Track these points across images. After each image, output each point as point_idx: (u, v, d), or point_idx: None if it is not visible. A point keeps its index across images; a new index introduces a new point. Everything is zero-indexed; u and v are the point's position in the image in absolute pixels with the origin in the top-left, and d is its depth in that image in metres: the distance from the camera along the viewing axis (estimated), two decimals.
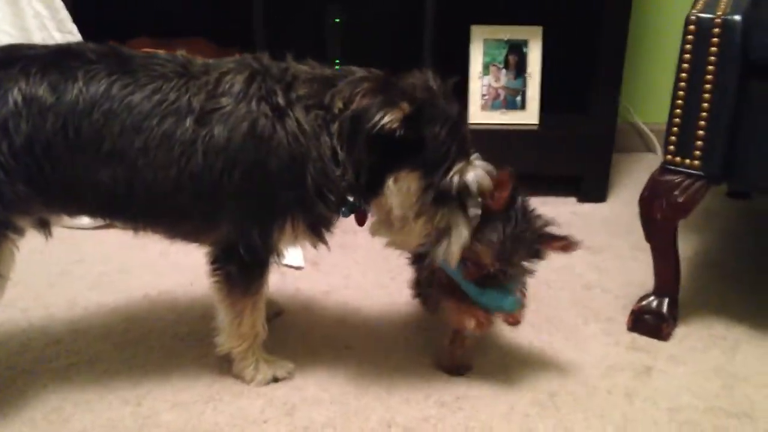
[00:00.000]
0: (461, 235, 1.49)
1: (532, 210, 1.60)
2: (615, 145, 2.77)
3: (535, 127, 2.76)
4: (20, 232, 1.43)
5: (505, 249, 1.51)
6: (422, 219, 1.49)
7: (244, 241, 1.49)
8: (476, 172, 1.49)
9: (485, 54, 2.74)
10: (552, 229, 1.59)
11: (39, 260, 2.13)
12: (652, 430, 1.52)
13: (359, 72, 1.50)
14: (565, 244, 1.58)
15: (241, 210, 1.48)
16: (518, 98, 2.76)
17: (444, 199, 1.47)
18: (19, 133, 1.35)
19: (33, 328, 1.82)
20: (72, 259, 2.15)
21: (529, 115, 2.76)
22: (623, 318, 1.90)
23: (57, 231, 2.26)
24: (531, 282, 2.08)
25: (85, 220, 2.14)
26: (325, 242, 1.57)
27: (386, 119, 1.38)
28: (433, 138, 1.43)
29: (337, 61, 2.65)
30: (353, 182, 1.47)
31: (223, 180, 1.43)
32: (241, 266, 1.52)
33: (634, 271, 2.18)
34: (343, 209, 1.54)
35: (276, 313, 1.90)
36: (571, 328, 1.89)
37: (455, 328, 1.66)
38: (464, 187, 1.47)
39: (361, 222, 1.61)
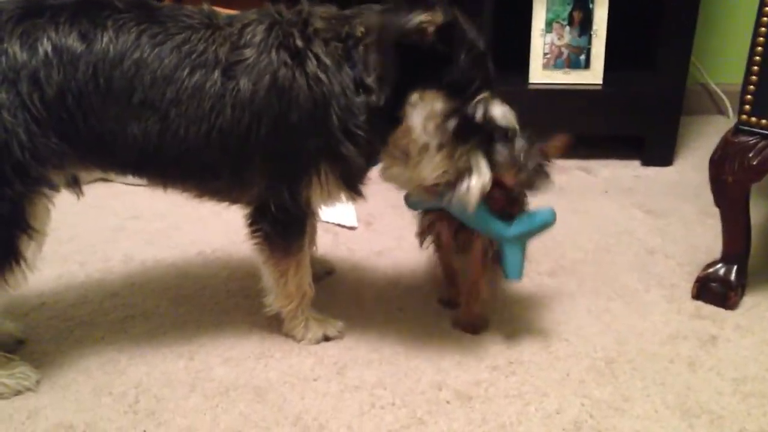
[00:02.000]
0: (482, 176, 1.42)
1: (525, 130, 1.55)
2: (684, 107, 2.65)
3: (599, 87, 2.65)
4: (55, 188, 1.41)
5: (522, 167, 1.48)
6: (443, 151, 1.43)
7: (275, 199, 1.47)
8: (504, 107, 1.42)
9: (548, 10, 2.63)
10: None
11: (96, 215, 2.16)
12: (715, 400, 1.46)
13: (377, 6, 1.44)
14: (563, 140, 1.58)
15: (269, 166, 1.45)
16: (582, 57, 2.65)
17: (468, 133, 1.40)
18: (51, 83, 1.33)
19: (90, 281, 1.85)
20: (128, 215, 2.17)
21: (593, 75, 2.65)
22: (687, 285, 1.83)
23: (114, 187, 2.33)
24: (589, 245, 2.04)
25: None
26: (359, 193, 1.53)
27: (422, 18, 1.30)
28: (462, 59, 1.36)
29: None
30: (377, 106, 1.40)
31: (250, 135, 1.41)
32: (277, 226, 1.49)
33: (700, 236, 2.09)
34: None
35: (327, 272, 1.89)
36: (631, 294, 1.82)
37: (473, 279, 1.63)
38: (490, 120, 1.41)
39: None
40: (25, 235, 1.37)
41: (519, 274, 1.57)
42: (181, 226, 2.12)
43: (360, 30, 1.41)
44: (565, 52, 2.65)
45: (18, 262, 1.38)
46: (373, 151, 1.50)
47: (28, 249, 1.39)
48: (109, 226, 2.12)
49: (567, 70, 2.66)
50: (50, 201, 1.41)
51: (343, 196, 1.55)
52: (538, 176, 1.53)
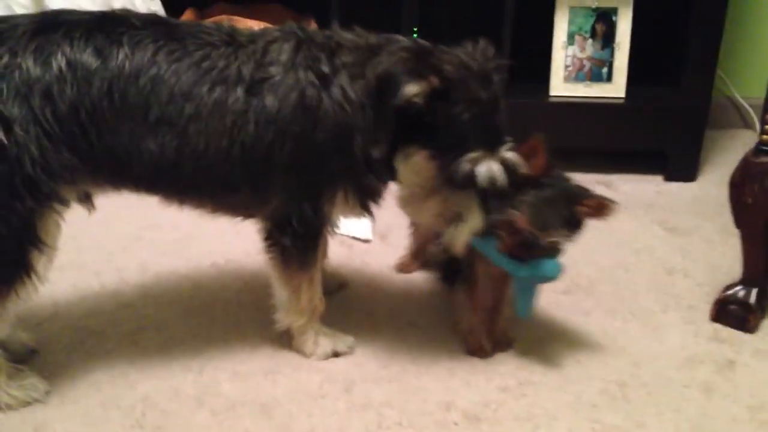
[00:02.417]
0: (473, 222, 1.45)
1: (568, 178, 1.57)
2: (708, 121, 2.61)
3: (621, 101, 2.62)
4: (66, 203, 1.42)
5: (540, 213, 1.46)
6: (433, 200, 1.46)
7: (296, 213, 1.46)
8: (490, 166, 1.40)
9: (571, 22, 2.61)
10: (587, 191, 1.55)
11: (113, 225, 2.18)
12: (730, 427, 1.42)
13: (403, 41, 1.44)
14: (600, 203, 1.51)
15: (292, 181, 1.45)
16: (604, 70, 2.63)
17: (458, 185, 1.42)
18: (64, 98, 1.33)
19: (105, 290, 1.86)
20: (145, 225, 2.18)
21: (616, 88, 2.63)
22: (706, 307, 1.79)
23: (133, 197, 2.33)
24: (607, 263, 2.01)
25: None
26: (371, 213, 1.55)
27: (409, 90, 1.33)
28: (452, 119, 1.38)
29: (415, 29, 2.59)
30: (383, 154, 1.42)
31: (274, 151, 1.41)
32: (295, 239, 1.49)
33: (722, 256, 2.05)
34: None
35: (340, 285, 1.88)
36: (648, 315, 1.79)
37: (490, 305, 1.63)
38: (474, 178, 1.40)
39: None
40: (36, 250, 1.38)
41: (527, 313, 1.58)
42: (197, 237, 2.13)
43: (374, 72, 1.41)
44: (587, 64, 2.63)
45: (29, 276, 1.39)
46: (390, 177, 1.50)
47: (39, 263, 1.40)
48: (126, 236, 2.14)
49: (589, 83, 2.64)
50: (61, 216, 1.42)
51: (357, 213, 1.56)
52: (552, 236, 1.49)
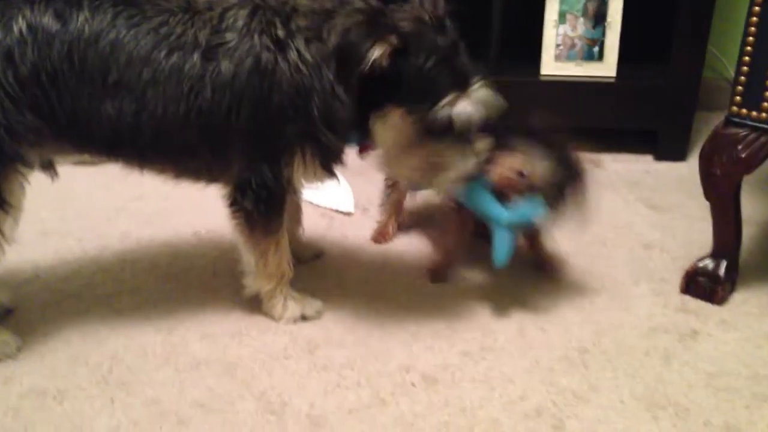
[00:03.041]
0: (458, 168, 1.48)
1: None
2: (704, 102, 2.60)
3: (612, 80, 2.61)
4: (30, 165, 1.45)
5: (532, 152, 1.59)
6: (414, 154, 1.47)
7: (256, 177, 1.49)
8: (464, 105, 1.42)
9: (562, 1, 2.60)
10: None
11: (101, 196, 2.23)
12: (684, 393, 1.43)
13: (357, 3, 1.46)
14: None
15: (250, 146, 1.47)
16: (596, 48, 2.62)
17: (436, 134, 1.43)
18: (25, 61, 1.36)
19: (86, 256, 1.91)
20: (132, 196, 2.23)
21: (607, 67, 2.61)
22: (678, 280, 1.79)
23: (119, 168, 2.38)
24: (584, 239, 2.02)
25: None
26: (334, 176, 1.56)
27: (372, 54, 1.35)
28: (416, 71, 1.39)
29: None
30: (351, 116, 1.44)
31: (231, 116, 1.43)
32: (257, 204, 1.51)
33: (701, 232, 2.02)
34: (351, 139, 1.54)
35: (315, 254, 1.91)
36: (618, 287, 1.80)
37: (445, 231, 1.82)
38: (452, 121, 1.42)
39: (363, 151, 1.60)
40: (1, 211, 1.42)
41: (503, 262, 1.59)
42: (181, 209, 2.17)
43: (333, 40, 1.42)
44: (579, 43, 2.62)
45: None
46: (350, 135, 1.52)
47: (4, 223, 1.44)
48: (112, 206, 2.18)
49: (580, 62, 2.63)
50: (25, 178, 1.46)
51: (320, 177, 1.57)
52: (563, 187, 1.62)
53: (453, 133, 1.44)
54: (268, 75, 1.42)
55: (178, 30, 1.42)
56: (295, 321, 1.65)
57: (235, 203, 1.55)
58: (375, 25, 1.39)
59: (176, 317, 1.66)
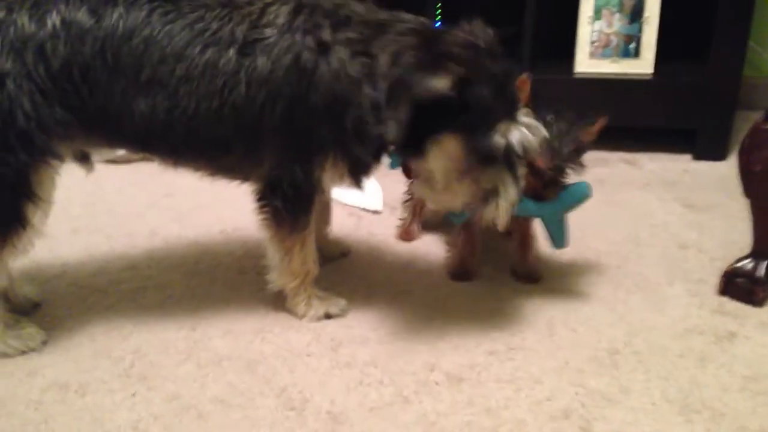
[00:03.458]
0: (509, 194, 1.44)
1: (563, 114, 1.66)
2: (745, 100, 2.52)
3: (650, 77, 2.55)
4: (60, 158, 1.46)
5: (555, 147, 1.58)
6: (466, 181, 1.44)
7: (287, 176, 1.47)
8: (521, 132, 1.41)
9: None
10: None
11: (131, 193, 2.24)
12: (719, 397, 1.37)
13: (408, 22, 1.44)
14: (598, 123, 1.64)
15: (284, 144, 1.46)
16: (632, 45, 2.56)
17: (489, 160, 1.41)
18: (57, 56, 1.37)
19: (113, 252, 1.91)
20: (162, 193, 2.24)
21: (644, 64, 2.56)
22: (716, 281, 1.73)
23: (151, 166, 2.40)
24: (617, 237, 1.97)
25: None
26: (360, 186, 1.55)
27: (437, 84, 1.32)
28: (476, 100, 1.37)
29: (438, 4, 2.58)
30: (397, 140, 1.41)
31: (264, 113, 1.42)
32: (286, 202, 1.50)
33: (741, 233, 1.96)
34: (392, 161, 1.55)
35: (342, 252, 1.89)
36: (652, 287, 1.74)
37: (524, 232, 1.76)
38: (509, 148, 1.41)
39: (408, 175, 1.61)
40: (30, 202, 1.42)
41: (564, 244, 1.69)
42: (210, 206, 2.17)
43: (384, 60, 1.41)
44: (615, 40, 2.57)
45: (24, 227, 1.43)
46: (383, 151, 1.52)
47: (34, 215, 1.44)
48: (142, 203, 2.19)
49: (616, 58, 2.58)
50: (55, 171, 1.46)
51: (350, 184, 1.56)
52: (570, 162, 1.63)
53: (503, 160, 1.42)
54: (307, 74, 1.40)
55: (214, 26, 1.41)
56: (318, 319, 1.62)
57: (264, 199, 1.54)
58: (431, 51, 1.37)
59: (200, 313, 1.65)
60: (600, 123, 1.63)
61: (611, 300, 1.69)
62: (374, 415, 1.35)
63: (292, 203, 1.52)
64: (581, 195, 1.63)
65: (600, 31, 2.57)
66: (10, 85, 1.35)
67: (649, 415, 1.33)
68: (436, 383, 1.43)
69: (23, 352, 1.50)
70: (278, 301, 1.66)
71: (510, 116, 1.41)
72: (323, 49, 1.41)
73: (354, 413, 1.35)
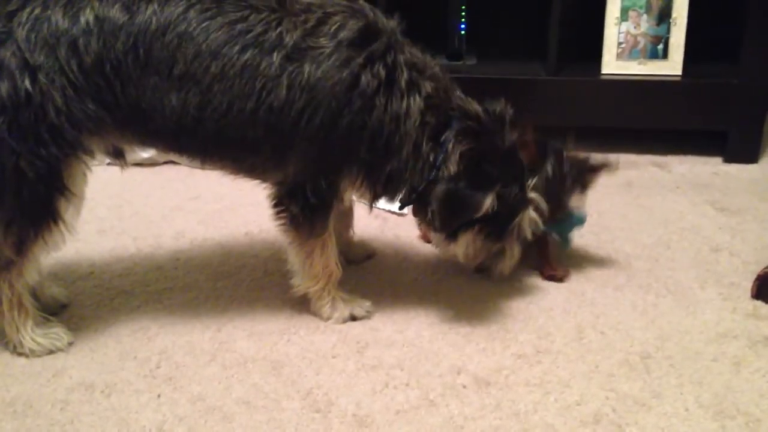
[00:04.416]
0: (514, 255, 1.64)
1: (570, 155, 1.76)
2: None
3: (678, 78, 2.50)
4: (91, 153, 1.46)
5: (551, 191, 1.68)
6: (480, 247, 1.61)
7: (311, 184, 1.47)
8: (531, 218, 1.61)
9: None
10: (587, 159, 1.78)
11: (158, 195, 2.25)
12: (756, 402, 1.34)
13: (472, 108, 1.54)
14: (606, 166, 1.77)
15: (315, 153, 1.46)
16: (660, 46, 2.52)
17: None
18: (89, 51, 1.37)
19: (140, 254, 1.91)
20: (188, 196, 2.24)
21: (672, 65, 2.51)
22: (749, 285, 1.69)
23: (181, 170, 2.41)
24: (648, 240, 1.93)
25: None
26: (370, 206, 1.61)
27: (486, 205, 1.48)
28: (504, 204, 1.52)
29: (463, 7, 2.55)
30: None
31: (302, 119, 1.41)
32: (305, 209, 1.50)
33: None
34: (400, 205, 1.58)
35: (368, 255, 1.88)
36: (684, 291, 1.71)
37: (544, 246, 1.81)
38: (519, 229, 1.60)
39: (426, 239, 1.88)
40: (62, 196, 1.43)
41: (569, 245, 1.83)
42: (236, 208, 2.16)
43: (455, 149, 1.49)
44: (642, 41, 2.53)
45: (56, 222, 1.44)
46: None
47: (65, 209, 1.45)
48: (168, 206, 2.19)
49: (643, 60, 2.54)
50: (87, 166, 1.47)
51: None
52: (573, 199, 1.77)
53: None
54: (366, 96, 1.42)
55: (259, 28, 1.40)
56: (344, 321, 1.61)
57: (281, 204, 1.53)
58: (485, 169, 1.49)
59: (225, 315, 1.65)
60: (607, 169, 1.79)
61: (642, 303, 1.66)
62: (400, 418, 1.33)
63: (310, 210, 1.51)
64: (579, 222, 1.80)
65: (627, 33, 2.53)
66: (42, 79, 1.36)
67: (683, 421, 1.30)
68: (464, 386, 1.41)
69: (50, 352, 1.50)
70: (303, 303, 1.65)
71: (524, 204, 1.58)
72: (391, 80, 1.44)
73: (380, 416, 1.33)
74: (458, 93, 1.55)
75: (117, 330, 1.59)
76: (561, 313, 1.63)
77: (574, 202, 1.75)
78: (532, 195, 1.62)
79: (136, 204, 2.18)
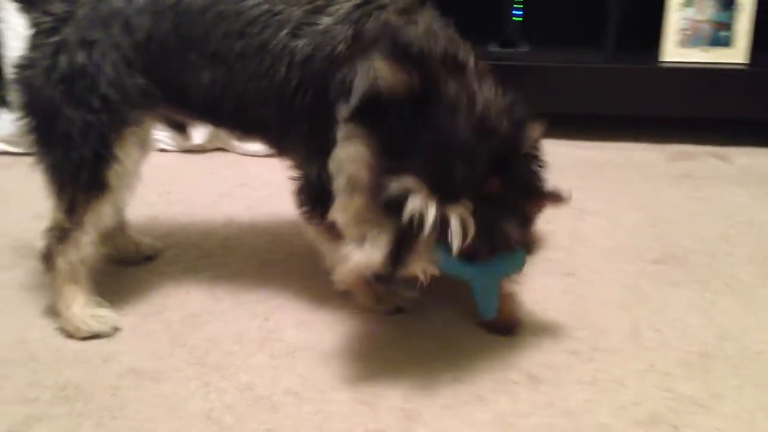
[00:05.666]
0: (370, 254, 1.23)
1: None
2: None
3: (744, 67, 2.42)
4: (141, 125, 1.50)
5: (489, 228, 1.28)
6: (359, 203, 1.29)
7: (310, 176, 1.46)
8: (428, 210, 1.20)
9: None
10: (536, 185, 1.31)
11: (208, 182, 2.26)
12: None
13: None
14: (554, 198, 1.31)
15: (306, 140, 1.43)
16: (725, 33, 2.43)
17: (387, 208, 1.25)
18: (141, 29, 1.43)
19: (188, 241, 1.92)
20: (237, 182, 2.25)
21: (737, 53, 2.43)
22: None
23: (230, 156, 2.42)
24: (706, 234, 1.86)
25: (255, 146, 2.26)
26: None
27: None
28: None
29: None
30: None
31: (296, 99, 1.40)
32: (315, 205, 1.47)
33: None
34: None
35: None
36: (744, 288, 1.64)
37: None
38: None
39: None
40: (110, 165, 1.47)
41: (492, 313, 1.47)
42: (284, 195, 2.14)
43: None
44: (706, 27, 2.45)
45: (104, 190, 1.47)
46: None
47: (114, 179, 1.48)
48: (217, 192, 2.21)
49: (706, 47, 2.46)
50: (138, 138, 1.50)
51: None
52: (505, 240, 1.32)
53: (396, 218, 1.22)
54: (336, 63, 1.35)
55: (279, 7, 1.40)
56: (390, 313, 1.59)
57: (297, 200, 1.52)
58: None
59: (273, 303, 1.64)
60: (557, 197, 1.32)
61: (699, 300, 1.60)
62: (449, 413, 1.30)
63: (321, 205, 1.42)
64: (518, 264, 1.42)
65: (690, 19, 2.45)
66: (96, 53, 1.42)
67: (744, 424, 1.25)
68: (515, 382, 1.38)
69: (95, 334, 1.52)
70: (350, 293, 1.63)
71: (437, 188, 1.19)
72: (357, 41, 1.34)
73: (427, 410, 1.31)
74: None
75: (167, 316, 1.60)
76: (615, 309, 1.59)
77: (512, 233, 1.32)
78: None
79: (186, 190, 2.20)
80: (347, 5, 1.40)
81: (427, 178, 1.18)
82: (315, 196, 1.45)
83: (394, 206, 1.19)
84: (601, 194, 2.17)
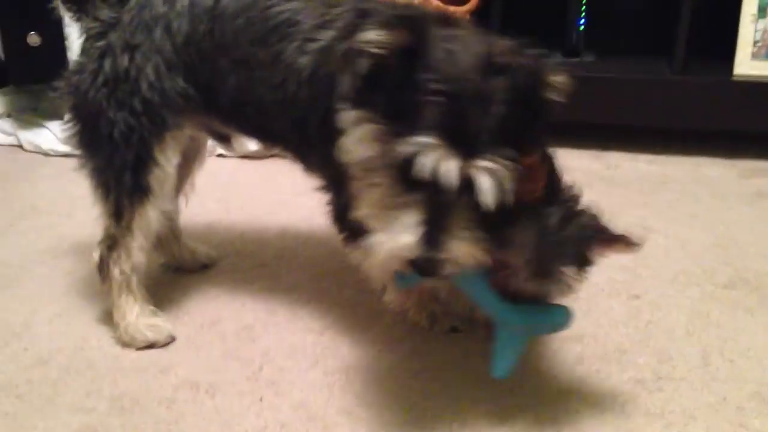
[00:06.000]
0: (396, 240, 1.11)
1: (578, 200, 1.24)
2: None
3: None
4: (181, 128, 1.49)
5: (543, 254, 1.17)
6: (375, 188, 1.21)
7: (333, 199, 1.43)
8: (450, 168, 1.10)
9: None
10: (604, 226, 1.21)
11: (264, 189, 2.26)
12: None
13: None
14: (624, 244, 1.19)
15: (326, 166, 1.38)
16: None
17: (407, 182, 1.14)
18: (180, 33, 1.43)
19: (245, 250, 1.92)
20: (293, 191, 2.23)
21: None
22: None
23: (282, 163, 2.40)
24: None
25: None
26: None
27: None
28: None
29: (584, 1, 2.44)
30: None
31: (308, 116, 1.36)
32: (345, 228, 1.42)
33: None
34: None
35: None
36: None
37: None
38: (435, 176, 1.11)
39: None
40: (151, 169, 1.47)
41: (505, 372, 1.26)
42: None
43: None
44: None
45: (147, 194, 1.47)
46: None
47: (156, 183, 1.48)
48: (274, 200, 2.20)
49: None
50: (178, 141, 1.50)
51: None
52: (554, 280, 1.20)
53: (423, 192, 1.13)
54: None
55: (299, 17, 1.37)
56: (444, 332, 1.55)
57: (334, 223, 1.48)
58: None
59: (328, 317, 1.62)
60: (628, 243, 1.19)
61: None
62: None
63: (350, 229, 1.38)
64: (560, 321, 1.27)
65: (764, 31, 2.35)
66: (138, 57, 1.43)
67: None
68: (577, 411, 1.32)
69: (150, 344, 1.52)
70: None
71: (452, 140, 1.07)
72: None
73: None
74: None
75: (222, 328, 1.59)
76: (683, 335, 1.52)
77: (565, 279, 1.20)
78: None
79: (243, 197, 2.20)
80: (343, 19, 1.34)
81: (441, 131, 1.05)
82: (351, 221, 1.29)
83: (415, 180, 1.07)
84: (666, 212, 2.09)
